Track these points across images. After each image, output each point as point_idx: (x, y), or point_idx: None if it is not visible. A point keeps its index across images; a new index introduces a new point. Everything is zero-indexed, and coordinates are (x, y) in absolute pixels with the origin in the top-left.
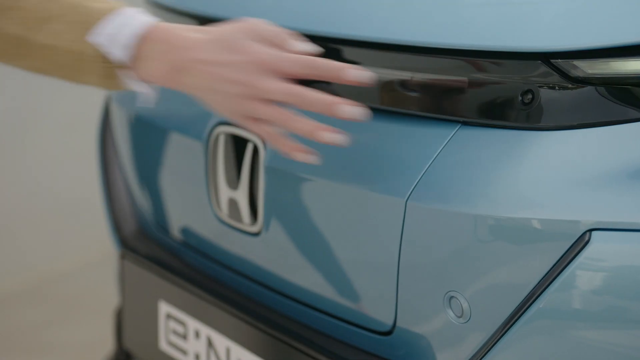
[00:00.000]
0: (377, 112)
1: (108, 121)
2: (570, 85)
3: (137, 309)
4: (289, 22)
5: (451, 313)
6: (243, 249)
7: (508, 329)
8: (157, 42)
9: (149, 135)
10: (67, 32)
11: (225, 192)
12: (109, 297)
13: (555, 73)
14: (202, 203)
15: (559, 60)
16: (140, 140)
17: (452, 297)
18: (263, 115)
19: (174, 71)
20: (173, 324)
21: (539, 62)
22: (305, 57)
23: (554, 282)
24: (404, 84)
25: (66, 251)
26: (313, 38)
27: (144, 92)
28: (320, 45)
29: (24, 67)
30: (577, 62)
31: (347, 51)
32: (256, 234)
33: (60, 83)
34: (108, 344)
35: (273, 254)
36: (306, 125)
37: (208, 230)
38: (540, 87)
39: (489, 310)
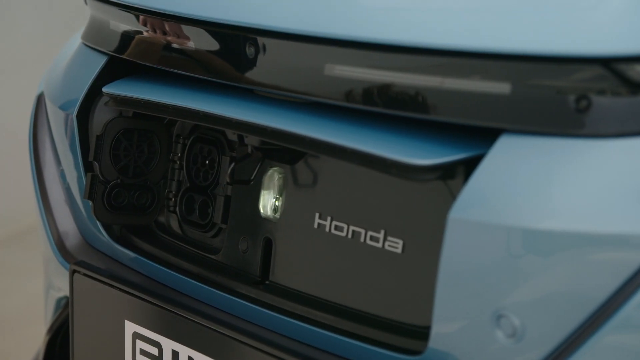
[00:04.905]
0: (414, 120)
1: (40, 122)
2: (631, 91)
3: (94, 329)
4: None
5: (500, 333)
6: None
7: (573, 350)
8: None
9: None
10: None
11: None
12: None
13: (614, 78)
14: None
15: (620, 64)
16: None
17: (501, 315)
18: None
19: None
20: (142, 345)
21: (597, 66)
22: None
23: (630, 299)
24: (445, 90)
25: None
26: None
27: None
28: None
29: None
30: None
31: (376, 55)
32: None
33: None
34: None
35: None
36: None
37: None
38: (597, 92)
39: (546, 329)
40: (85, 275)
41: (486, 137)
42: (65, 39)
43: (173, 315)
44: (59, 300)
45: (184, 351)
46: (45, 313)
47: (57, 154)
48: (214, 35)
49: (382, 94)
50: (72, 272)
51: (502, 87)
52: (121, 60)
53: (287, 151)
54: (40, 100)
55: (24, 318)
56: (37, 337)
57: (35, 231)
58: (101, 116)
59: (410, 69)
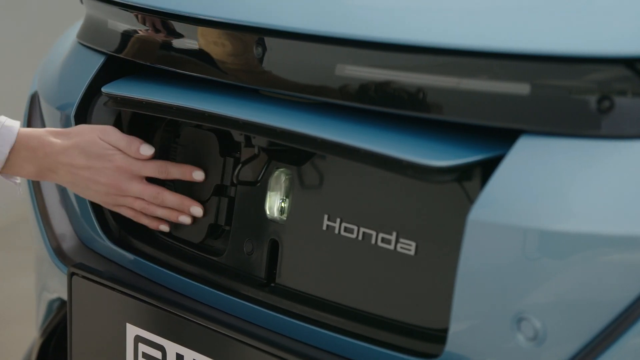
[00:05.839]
0: (426, 121)
1: (34, 122)
2: None
3: (94, 333)
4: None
5: (520, 336)
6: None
7: (598, 354)
8: (24, 150)
9: None
10: None
11: None
12: None
13: (638, 78)
14: None
15: None
16: None
17: (521, 318)
18: (128, 205)
19: (43, 172)
20: (145, 348)
21: (620, 66)
22: (157, 162)
23: None
24: (463, 90)
25: None
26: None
27: (16, 184)
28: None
29: None
30: None
31: (392, 56)
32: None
33: None
34: None
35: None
36: (166, 212)
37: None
38: (619, 93)
39: (568, 332)
40: (84, 277)
41: (501, 138)
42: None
43: (177, 317)
44: (51, 303)
45: (189, 355)
46: (37, 315)
47: None
48: (217, 34)
49: (397, 94)
50: (71, 275)
51: (523, 88)
52: (119, 59)
53: (293, 152)
54: (33, 99)
55: (2, 319)
56: (18, 337)
57: (10, 230)
58: (99, 117)
59: (427, 70)
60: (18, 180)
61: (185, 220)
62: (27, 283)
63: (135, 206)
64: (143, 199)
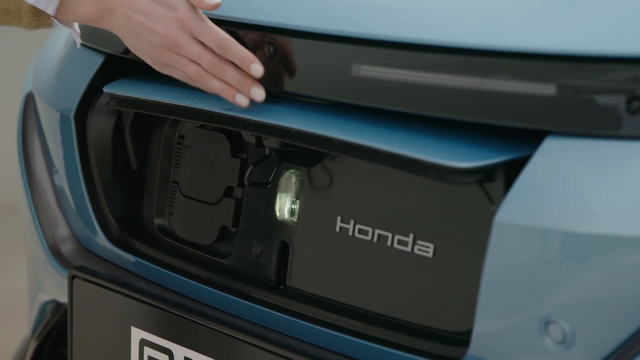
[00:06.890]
0: (456, 122)
1: (29, 122)
2: None
3: (96, 337)
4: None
5: (548, 340)
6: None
7: (631, 357)
8: None
9: None
10: None
11: None
12: None
13: None
14: None
15: None
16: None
17: (549, 321)
18: (180, 67)
19: (101, 13)
20: (151, 352)
21: None
22: (223, 36)
23: None
24: (490, 91)
25: None
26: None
27: (73, 32)
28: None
29: None
30: None
31: (414, 56)
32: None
33: None
34: None
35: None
36: (222, 86)
37: None
38: None
39: (598, 335)
40: (86, 280)
41: (522, 139)
42: None
43: (185, 320)
44: (44, 305)
45: (198, 358)
46: (29, 318)
47: (49, 155)
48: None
49: (417, 95)
50: (72, 278)
51: (549, 89)
52: (118, 59)
53: (304, 153)
54: (28, 99)
55: None
56: None
57: None
58: (100, 117)
59: (451, 70)
60: (77, 28)
61: (243, 101)
62: None
63: (188, 71)
64: (199, 65)
